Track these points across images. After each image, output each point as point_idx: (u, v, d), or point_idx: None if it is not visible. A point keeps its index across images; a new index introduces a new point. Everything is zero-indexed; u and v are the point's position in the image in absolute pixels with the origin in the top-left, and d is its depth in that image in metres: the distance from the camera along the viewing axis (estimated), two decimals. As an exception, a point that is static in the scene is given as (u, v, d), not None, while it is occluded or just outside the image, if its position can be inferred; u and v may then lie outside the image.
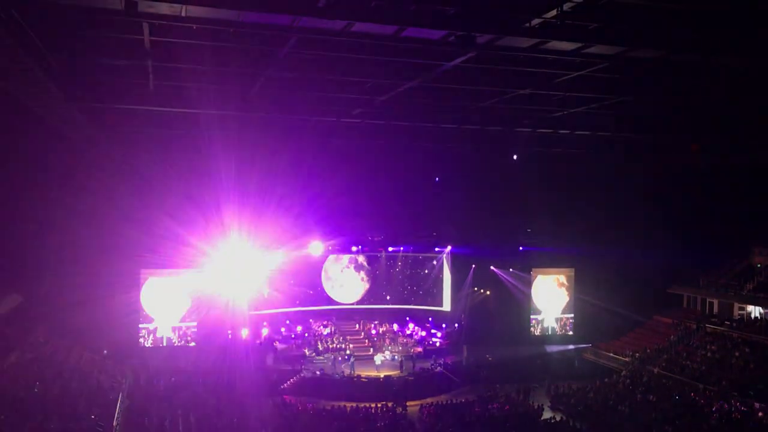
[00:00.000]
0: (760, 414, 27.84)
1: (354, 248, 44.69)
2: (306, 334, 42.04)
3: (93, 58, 17.52)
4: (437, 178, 39.94)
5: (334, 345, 40.90)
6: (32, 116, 21.54)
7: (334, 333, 42.66)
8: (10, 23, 12.74)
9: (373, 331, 43.47)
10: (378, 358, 39.05)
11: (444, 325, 44.04)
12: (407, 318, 44.97)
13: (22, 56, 14.31)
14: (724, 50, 15.44)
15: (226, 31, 14.94)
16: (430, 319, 44.95)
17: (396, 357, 39.48)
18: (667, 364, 35.02)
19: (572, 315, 43.58)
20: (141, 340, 36.80)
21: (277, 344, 39.98)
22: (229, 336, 38.48)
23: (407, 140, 27.89)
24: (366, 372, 37.24)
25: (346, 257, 45.79)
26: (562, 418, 31.23)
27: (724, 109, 23.51)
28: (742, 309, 37.95)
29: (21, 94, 18.42)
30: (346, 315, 45.21)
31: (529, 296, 43.46)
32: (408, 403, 32.94)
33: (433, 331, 43.72)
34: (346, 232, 42.04)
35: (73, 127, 24.05)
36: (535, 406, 32.76)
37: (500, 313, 42.33)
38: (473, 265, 43.80)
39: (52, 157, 27.89)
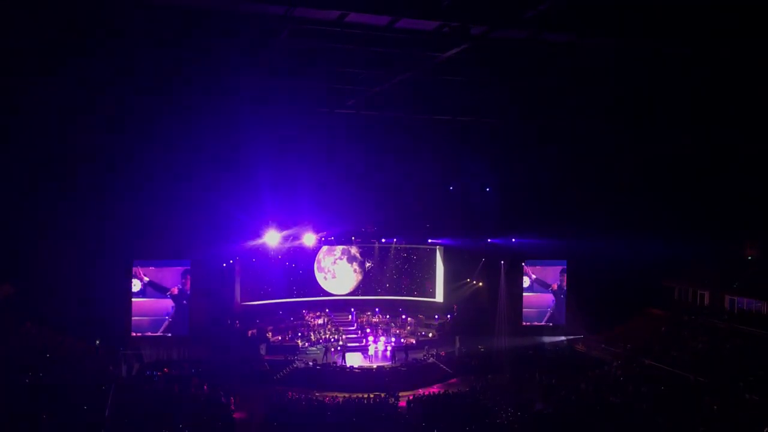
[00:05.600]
0: (752, 405, 27.99)
1: (346, 239, 44.54)
2: (299, 325, 41.99)
3: (82, 41, 17.29)
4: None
5: (327, 336, 40.94)
6: (23, 104, 21.38)
7: (327, 324, 42.67)
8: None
9: (366, 322, 43.49)
10: (371, 349, 39.17)
11: (436, 316, 44.11)
12: (400, 309, 44.99)
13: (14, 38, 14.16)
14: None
15: (218, 22, 14.79)
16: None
17: (389, 348, 39.57)
18: (658, 355, 35.19)
19: (564, 306, 43.63)
20: (133, 330, 36.59)
21: (270, 335, 39.94)
22: (222, 327, 38.41)
23: (401, 132, 27.84)
24: (359, 363, 37.34)
25: (339, 248, 45.72)
26: (553, 409, 31.32)
27: (717, 98, 23.49)
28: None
29: (10, 81, 18.25)
30: (340, 306, 45.19)
31: (521, 287, 43.47)
32: (400, 394, 32.97)
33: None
34: (339, 224, 41.91)
35: (63, 113, 23.88)
36: (527, 397, 32.84)
37: (492, 305, 42.37)
38: (464, 257, 43.86)
39: (46, 146, 27.73)
